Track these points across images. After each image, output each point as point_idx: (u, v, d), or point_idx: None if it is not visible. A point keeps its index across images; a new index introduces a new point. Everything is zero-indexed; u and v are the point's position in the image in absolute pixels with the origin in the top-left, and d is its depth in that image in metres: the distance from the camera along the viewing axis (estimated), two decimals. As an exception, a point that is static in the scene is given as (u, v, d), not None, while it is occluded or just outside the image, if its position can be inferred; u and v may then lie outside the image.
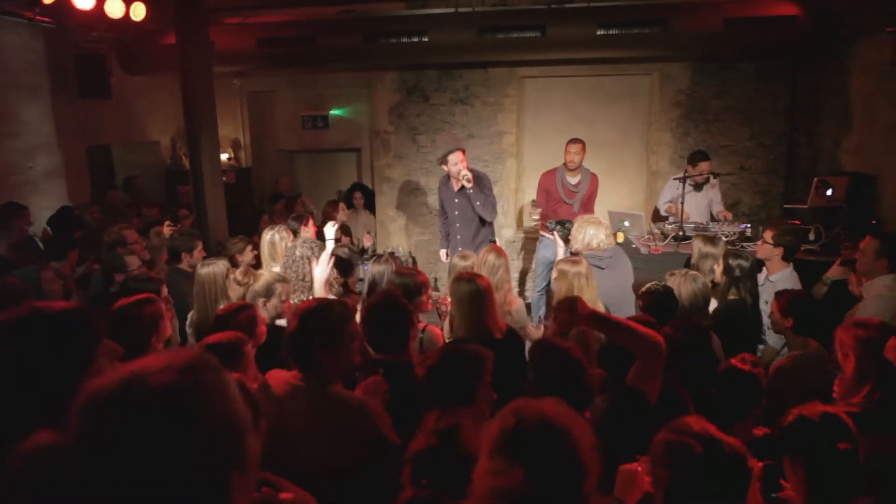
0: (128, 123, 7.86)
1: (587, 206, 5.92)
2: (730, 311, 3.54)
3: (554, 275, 3.66)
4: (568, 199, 5.89)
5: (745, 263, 3.72)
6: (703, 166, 6.00)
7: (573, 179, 5.92)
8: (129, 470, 0.86)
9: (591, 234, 4.08)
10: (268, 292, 3.38)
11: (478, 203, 5.18)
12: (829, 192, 5.29)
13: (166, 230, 5.28)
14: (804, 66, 6.82)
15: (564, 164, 5.97)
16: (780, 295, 3.25)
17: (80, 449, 0.89)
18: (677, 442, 1.50)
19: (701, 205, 6.18)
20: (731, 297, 3.66)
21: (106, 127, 7.45)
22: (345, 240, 5.96)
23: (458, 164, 5.14)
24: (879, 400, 2.37)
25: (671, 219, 6.00)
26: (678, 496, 1.48)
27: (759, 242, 4.24)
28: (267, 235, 4.27)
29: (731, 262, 3.73)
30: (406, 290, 3.18)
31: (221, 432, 0.94)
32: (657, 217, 6.62)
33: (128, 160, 7.71)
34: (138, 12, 5.88)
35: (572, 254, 4.31)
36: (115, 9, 5.64)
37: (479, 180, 5.27)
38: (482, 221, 5.37)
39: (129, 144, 7.85)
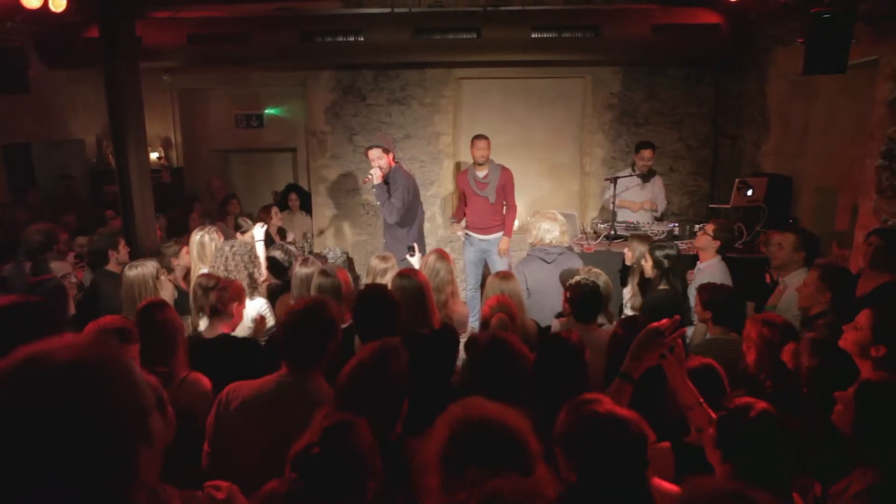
0: (49, 120, 7.47)
1: (507, 199, 6.00)
2: (660, 300, 3.69)
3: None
4: (480, 191, 5.95)
5: (672, 252, 3.88)
6: (645, 154, 6.21)
7: (481, 173, 5.96)
8: (34, 448, 0.87)
9: (545, 228, 4.12)
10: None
11: (378, 203, 5.40)
12: (749, 193, 5.55)
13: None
14: (727, 72, 7.15)
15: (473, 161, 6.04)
16: (702, 289, 3.42)
17: None
18: (590, 426, 1.55)
19: (644, 199, 6.40)
20: (662, 287, 3.81)
21: (24, 124, 7.07)
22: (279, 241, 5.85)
23: (374, 160, 5.34)
24: (771, 392, 2.53)
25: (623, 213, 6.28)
26: (590, 476, 1.53)
27: (700, 233, 4.52)
28: (196, 236, 4.14)
29: (657, 254, 3.88)
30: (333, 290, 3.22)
31: (127, 407, 0.95)
32: (601, 215, 6.81)
33: (49, 159, 7.36)
34: (58, 3, 5.59)
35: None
36: (31, -1, 5.36)
37: (393, 180, 5.40)
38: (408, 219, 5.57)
39: (51, 142, 7.49)
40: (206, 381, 2.60)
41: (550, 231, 4.11)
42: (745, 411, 1.79)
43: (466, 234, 6.23)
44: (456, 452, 1.30)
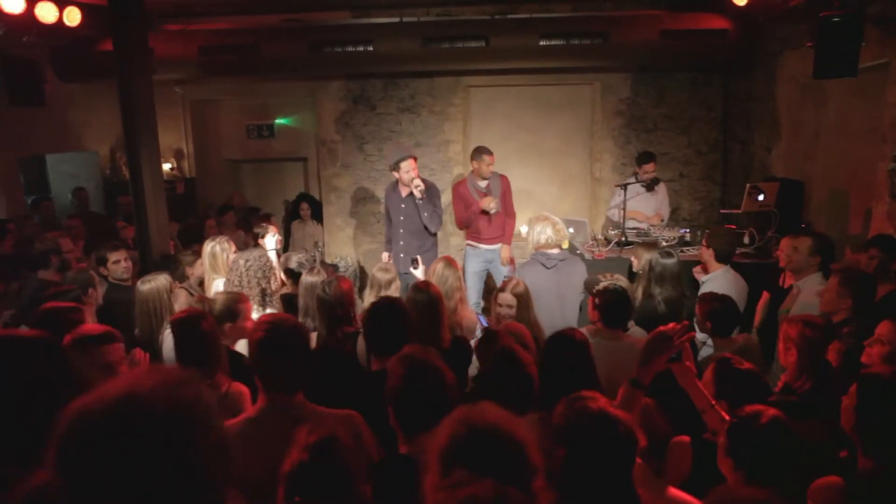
0: (63, 133, 7.58)
1: (506, 207, 5.86)
2: (646, 311, 3.69)
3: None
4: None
5: (668, 262, 3.84)
6: (647, 167, 6.20)
7: (482, 183, 5.82)
8: (135, 487, 0.84)
9: (537, 230, 4.12)
10: (231, 315, 3.10)
11: (425, 214, 5.31)
12: (760, 198, 5.50)
13: None
14: (736, 76, 7.13)
15: (473, 172, 5.87)
16: (702, 300, 3.37)
17: (70, 477, 0.84)
18: (576, 420, 1.55)
19: (651, 207, 6.36)
20: (652, 293, 3.81)
21: (39, 136, 7.17)
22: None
23: (409, 172, 5.28)
24: (811, 391, 2.50)
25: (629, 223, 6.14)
26: (573, 470, 1.53)
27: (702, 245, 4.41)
28: (208, 247, 4.15)
29: (655, 257, 3.87)
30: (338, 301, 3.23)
31: (217, 447, 0.94)
32: (609, 224, 6.76)
33: (64, 171, 7.46)
34: (72, 17, 5.70)
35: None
36: (46, 13, 5.45)
37: (430, 190, 5.38)
38: (428, 231, 5.49)
39: (66, 154, 7.59)
40: (247, 392, 2.52)
41: (543, 231, 4.10)
42: (756, 419, 1.77)
43: (470, 244, 6.04)
44: (450, 452, 1.30)
